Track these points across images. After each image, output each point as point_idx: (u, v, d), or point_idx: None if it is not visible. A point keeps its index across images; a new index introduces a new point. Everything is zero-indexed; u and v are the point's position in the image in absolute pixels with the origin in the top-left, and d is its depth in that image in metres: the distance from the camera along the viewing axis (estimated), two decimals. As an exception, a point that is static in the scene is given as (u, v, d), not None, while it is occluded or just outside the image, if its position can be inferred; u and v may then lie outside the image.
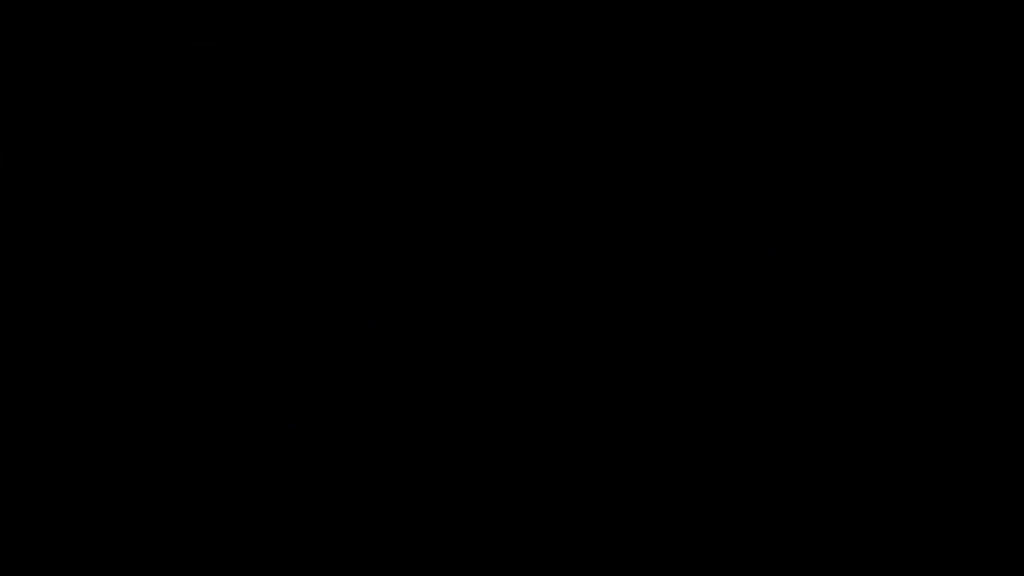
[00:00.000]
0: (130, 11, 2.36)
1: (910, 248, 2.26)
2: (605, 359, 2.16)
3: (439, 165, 2.52)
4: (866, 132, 2.32)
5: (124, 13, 2.36)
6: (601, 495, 2.08)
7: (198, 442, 2.11)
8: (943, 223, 2.26)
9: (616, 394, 2.16)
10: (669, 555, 2.04)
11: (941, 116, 2.28)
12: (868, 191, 2.29)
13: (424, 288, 2.32)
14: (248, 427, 2.12)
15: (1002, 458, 2.10)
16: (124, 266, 2.22)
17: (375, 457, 2.11)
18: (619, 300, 2.21)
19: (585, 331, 2.19)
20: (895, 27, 2.31)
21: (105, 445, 2.09)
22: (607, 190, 2.34)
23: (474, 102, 2.53)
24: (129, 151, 2.28)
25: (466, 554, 2.04)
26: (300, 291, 2.28)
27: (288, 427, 2.12)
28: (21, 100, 2.31)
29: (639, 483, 2.10)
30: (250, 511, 2.05)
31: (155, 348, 2.14)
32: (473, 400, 2.18)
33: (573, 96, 2.41)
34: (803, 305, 2.25)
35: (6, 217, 2.28)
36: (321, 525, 2.05)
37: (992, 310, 2.21)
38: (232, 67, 2.43)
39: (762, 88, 2.33)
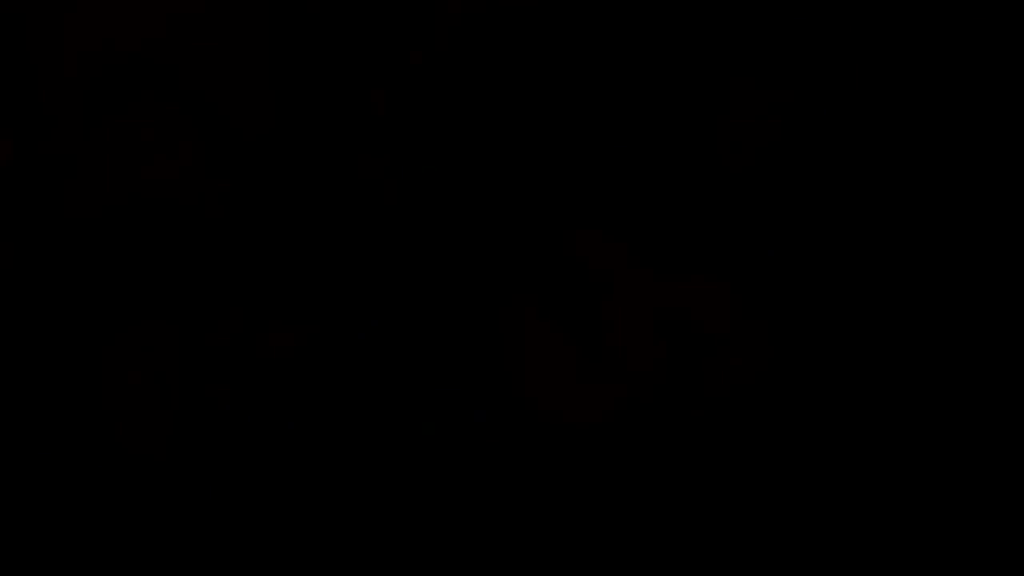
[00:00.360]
0: (131, 10, 2.36)
1: (910, 248, 2.26)
2: (605, 359, 2.16)
3: (439, 165, 2.52)
4: (867, 133, 2.32)
5: (125, 12, 2.35)
6: (601, 495, 2.08)
7: (198, 443, 2.11)
8: (943, 223, 2.25)
9: (616, 394, 2.16)
10: (669, 555, 2.04)
11: (939, 117, 2.28)
12: (868, 191, 2.29)
13: (424, 288, 2.32)
14: (248, 427, 2.12)
15: (1002, 461, 2.10)
16: (125, 266, 2.22)
17: (376, 457, 2.11)
18: (619, 299, 2.21)
19: (585, 331, 2.18)
20: (893, 29, 2.31)
21: (105, 447, 2.09)
22: (607, 190, 2.34)
23: (473, 102, 2.53)
24: (129, 150, 2.28)
25: (465, 554, 2.04)
26: (300, 291, 2.27)
27: (288, 427, 2.12)
28: (24, 97, 2.31)
29: (639, 483, 2.10)
30: (251, 512, 2.05)
31: (155, 348, 2.14)
32: (473, 400, 2.18)
33: (571, 97, 2.41)
34: (804, 305, 2.25)
35: (8, 214, 2.28)
36: (321, 526, 2.05)
37: (993, 309, 2.21)
38: (232, 66, 2.42)
39: (761, 88, 2.33)
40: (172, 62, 2.37)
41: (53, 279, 2.20)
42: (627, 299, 2.20)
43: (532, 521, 2.05)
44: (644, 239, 2.24)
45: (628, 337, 2.18)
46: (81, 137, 2.29)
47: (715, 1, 2.35)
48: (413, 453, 2.12)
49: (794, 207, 2.30)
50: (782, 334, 2.21)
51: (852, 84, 2.32)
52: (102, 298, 2.18)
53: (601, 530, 2.05)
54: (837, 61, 2.32)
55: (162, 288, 2.20)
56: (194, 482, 2.07)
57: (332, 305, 2.27)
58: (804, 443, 2.13)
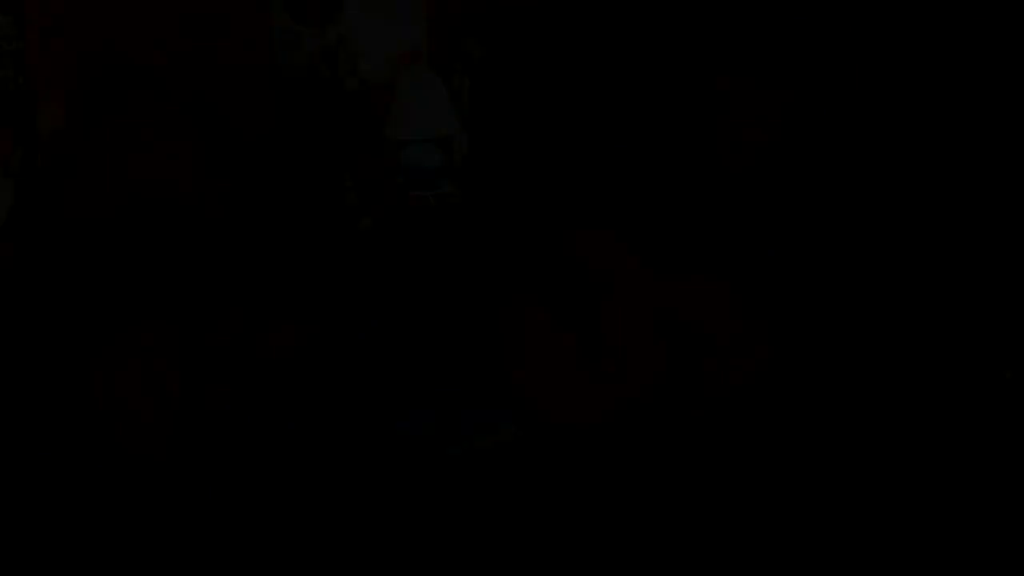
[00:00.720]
0: (131, 10, 2.36)
1: (909, 248, 2.26)
2: (605, 359, 2.17)
3: (438, 166, 2.51)
4: (866, 133, 2.32)
5: (125, 12, 2.36)
6: (601, 495, 2.09)
7: (198, 443, 2.11)
8: (942, 223, 2.26)
9: (616, 394, 2.16)
10: (668, 553, 2.04)
11: (938, 117, 2.28)
12: (867, 191, 2.30)
13: (424, 289, 2.32)
14: (248, 427, 2.12)
15: (999, 459, 2.11)
16: (125, 266, 2.22)
17: (375, 456, 2.12)
18: (619, 299, 2.21)
19: (585, 331, 2.19)
20: (892, 30, 2.32)
21: (105, 447, 2.09)
22: (607, 190, 2.34)
23: (473, 103, 2.53)
24: (129, 150, 2.29)
25: (465, 552, 2.04)
26: (300, 291, 2.28)
27: (288, 427, 2.13)
28: (24, 97, 2.31)
29: (638, 483, 2.10)
30: (250, 511, 2.05)
31: (155, 348, 2.14)
32: (473, 400, 2.18)
33: (571, 97, 2.41)
34: (803, 305, 2.25)
35: (9, 214, 2.28)
36: (321, 524, 2.05)
37: (991, 304, 2.21)
38: (232, 66, 2.43)
39: (761, 88, 2.34)
40: (172, 62, 2.37)
41: (53, 279, 2.20)
42: (627, 299, 2.20)
43: (532, 520, 2.06)
44: (644, 239, 2.25)
45: (628, 337, 2.18)
46: (81, 137, 2.30)
47: (716, 2, 2.36)
48: (413, 452, 2.12)
49: (793, 207, 2.30)
50: (782, 334, 2.22)
51: (851, 84, 2.32)
52: (102, 298, 2.18)
53: (601, 529, 2.05)
54: (836, 61, 2.32)
55: (162, 288, 2.21)
56: (194, 482, 2.07)
57: (332, 305, 2.27)
58: (803, 442, 2.14)
